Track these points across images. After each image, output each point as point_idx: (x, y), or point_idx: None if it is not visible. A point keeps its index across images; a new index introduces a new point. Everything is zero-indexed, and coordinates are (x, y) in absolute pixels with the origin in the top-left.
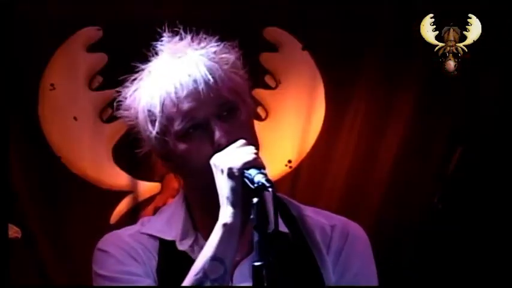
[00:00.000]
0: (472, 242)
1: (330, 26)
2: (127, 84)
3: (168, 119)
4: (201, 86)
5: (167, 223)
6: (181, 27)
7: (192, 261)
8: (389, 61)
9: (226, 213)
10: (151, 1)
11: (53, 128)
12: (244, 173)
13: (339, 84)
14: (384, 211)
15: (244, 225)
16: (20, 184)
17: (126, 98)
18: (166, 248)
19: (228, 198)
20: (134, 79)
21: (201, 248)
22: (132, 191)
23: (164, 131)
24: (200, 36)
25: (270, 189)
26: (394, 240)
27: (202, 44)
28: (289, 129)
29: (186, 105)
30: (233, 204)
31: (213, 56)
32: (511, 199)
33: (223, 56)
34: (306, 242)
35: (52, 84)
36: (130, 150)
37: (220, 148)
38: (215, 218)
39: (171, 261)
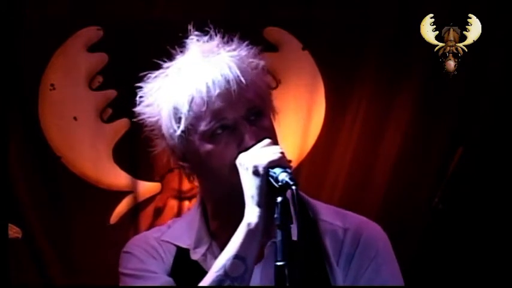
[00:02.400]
0: (473, 242)
1: (330, 26)
2: (149, 80)
3: (195, 118)
4: (234, 87)
5: (185, 230)
6: (211, 28)
7: (203, 272)
8: (389, 61)
9: (251, 213)
10: (151, 1)
11: (53, 128)
12: (269, 171)
13: (339, 84)
14: (384, 211)
15: (268, 225)
16: (19, 184)
17: (148, 95)
18: (181, 255)
19: (253, 197)
20: (156, 76)
21: (215, 256)
22: (132, 191)
23: (190, 129)
24: (228, 37)
25: (293, 188)
26: (394, 240)
27: (232, 46)
28: (290, 129)
29: (216, 105)
30: (258, 203)
31: (244, 59)
32: (511, 199)
33: (253, 60)
34: (316, 248)
35: (52, 84)
36: (131, 150)
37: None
38: (231, 225)
39: (184, 268)
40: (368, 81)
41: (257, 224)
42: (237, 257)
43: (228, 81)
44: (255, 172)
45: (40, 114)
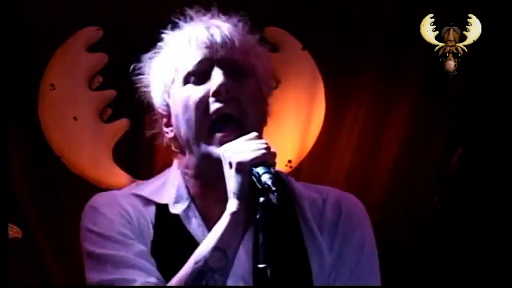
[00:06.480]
0: (472, 242)
1: (330, 26)
2: (146, 61)
3: (184, 59)
4: (229, 44)
5: (161, 187)
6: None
7: (184, 227)
8: (389, 61)
9: (233, 205)
10: (151, 1)
11: (52, 128)
12: (252, 170)
13: (339, 84)
14: (384, 211)
15: (249, 221)
16: (20, 184)
17: (145, 66)
18: (161, 212)
19: (235, 192)
20: (155, 52)
21: (195, 216)
22: None
23: (174, 78)
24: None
25: (275, 194)
26: (394, 240)
27: (223, 18)
28: (289, 129)
29: (208, 52)
30: (240, 198)
31: (238, 25)
32: (511, 199)
33: (247, 30)
34: (296, 220)
35: (52, 84)
36: (131, 150)
37: (214, 97)
38: (209, 192)
39: (165, 223)
40: (368, 81)
41: (238, 217)
42: (218, 248)
43: (224, 36)
44: (238, 169)
45: (40, 114)
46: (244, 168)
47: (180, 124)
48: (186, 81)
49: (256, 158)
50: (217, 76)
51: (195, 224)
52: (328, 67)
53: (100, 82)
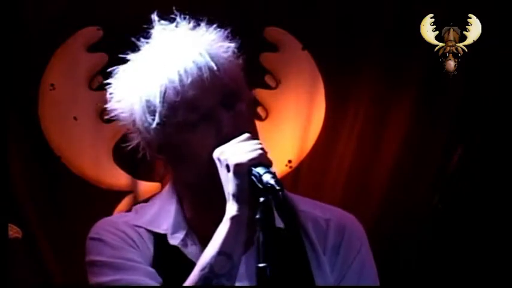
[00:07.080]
0: (473, 242)
1: (330, 26)
2: (118, 75)
3: (170, 109)
4: (206, 74)
5: (158, 215)
6: (177, 14)
7: (184, 256)
8: (389, 61)
9: (233, 209)
10: (151, 2)
11: (52, 128)
12: (251, 170)
13: (339, 84)
14: (384, 211)
15: (250, 222)
16: (20, 184)
17: (118, 90)
18: (160, 240)
19: (234, 195)
20: (124, 70)
21: (194, 243)
22: (132, 191)
23: (165, 121)
24: (195, 22)
25: (280, 193)
26: (394, 241)
27: (200, 31)
28: (290, 129)
29: (190, 94)
30: (239, 200)
31: (213, 43)
32: (511, 199)
33: (223, 44)
34: (300, 240)
35: (52, 84)
36: (131, 150)
37: (225, 139)
38: (208, 215)
39: (165, 254)
40: (368, 81)
41: (240, 220)
42: (222, 253)
43: (199, 68)
44: (236, 172)
45: (40, 114)
46: (242, 170)
47: (183, 165)
48: (186, 124)
49: (254, 158)
50: (222, 120)
51: (195, 251)
52: (328, 67)
53: (100, 82)
